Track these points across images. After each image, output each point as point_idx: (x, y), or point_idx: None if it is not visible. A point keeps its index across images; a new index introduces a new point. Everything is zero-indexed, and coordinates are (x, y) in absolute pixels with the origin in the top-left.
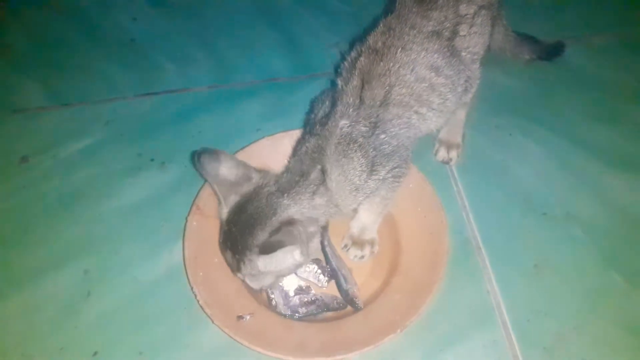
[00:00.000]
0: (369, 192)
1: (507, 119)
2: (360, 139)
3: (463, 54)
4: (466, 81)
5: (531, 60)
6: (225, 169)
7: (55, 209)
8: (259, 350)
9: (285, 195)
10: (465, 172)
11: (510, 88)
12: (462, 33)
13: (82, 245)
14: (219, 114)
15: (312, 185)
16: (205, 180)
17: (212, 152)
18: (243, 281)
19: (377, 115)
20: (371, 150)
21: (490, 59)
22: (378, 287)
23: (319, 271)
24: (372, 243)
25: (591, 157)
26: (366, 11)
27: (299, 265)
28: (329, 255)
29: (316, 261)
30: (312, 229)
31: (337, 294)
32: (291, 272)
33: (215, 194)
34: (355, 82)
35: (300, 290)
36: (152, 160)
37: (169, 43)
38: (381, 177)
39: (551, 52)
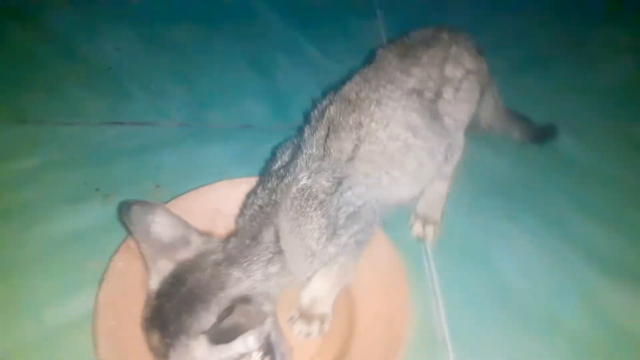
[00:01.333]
0: (326, 259)
1: (493, 201)
2: (322, 195)
3: (446, 119)
4: (447, 149)
5: (522, 141)
6: (159, 226)
7: None
8: None
9: (235, 265)
10: (441, 253)
11: (500, 169)
12: (446, 96)
13: None
14: (184, 152)
15: (265, 251)
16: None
17: (146, 204)
18: None
19: (342, 170)
20: (333, 209)
21: (480, 135)
22: None
23: None
24: (322, 319)
25: (582, 257)
26: (354, 70)
27: (245, 355)
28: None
29: None
30: (266, 307)
31: None
32: None
33: (142, 255)
34: (322, 131)
35: None
36: (97, 190)
37: (146, 75)
38: (343, 243)
39: (543, 135)
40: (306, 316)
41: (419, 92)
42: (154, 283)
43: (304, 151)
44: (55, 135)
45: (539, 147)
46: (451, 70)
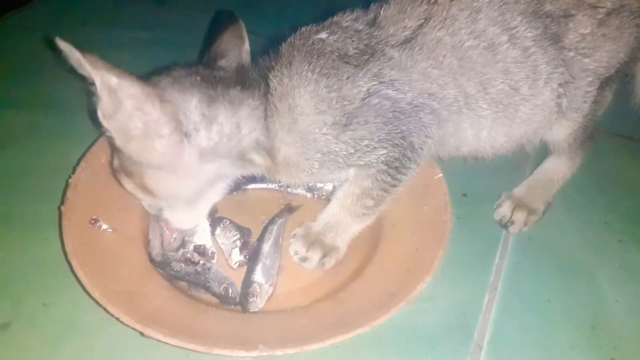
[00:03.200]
0: (324, 155)
1: (626, 223)
2: (337, 61)
3: (572, 53)
4: (563, 89)
5: None
6: (219, 40)
7: None
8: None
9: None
10: (525, 251)
11: None
12: (581, 28)
13: None
14: None
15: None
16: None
17: (235, 21)
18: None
19: (388, 51)
20: (353, 90)
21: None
22: (295, 306)
23: (238, 244)
24: (328, 251)
25: None
26: None
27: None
28: (267, 236)
29: (244, 230)
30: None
31: (239, 282)
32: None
33: None
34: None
35: (198, 249)
36: None
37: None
38: (358, 145)
39: None
40: (311, 240)
41: None
42: None
43: (349, 12)
44: (173, 20)
45: None
46: None
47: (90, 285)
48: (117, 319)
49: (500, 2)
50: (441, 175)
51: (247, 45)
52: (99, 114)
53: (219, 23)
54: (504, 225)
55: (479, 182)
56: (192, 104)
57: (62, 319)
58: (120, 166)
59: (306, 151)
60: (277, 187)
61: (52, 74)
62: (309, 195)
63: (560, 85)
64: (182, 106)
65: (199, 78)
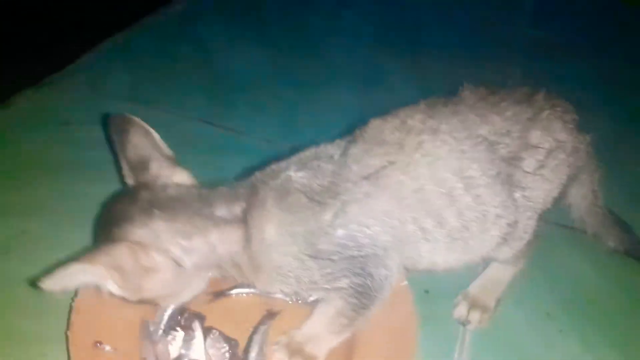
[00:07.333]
0: (291, 278)
1: (566, 314)
2: (304, 199)
3: (518, 192)
4: (509, 228)
5: (616, 251)
6: (131, 145)
7: None
8: None
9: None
10: (482, 346)
11: (587, 281)
12: (526, 167)
13: None
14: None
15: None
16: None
17: (124, 118)
18: None
19: (352, 188)
20: (318, 226)
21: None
22: None
23: (227, 356)
24: (307, 359)
25: None
26: None
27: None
28: (252, 346)
29: (232, 342)
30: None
31: None
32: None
33: None
34: (351, 137)
35: None
36: None
37: (256, 91)
38: (322, 272)
39: None
40: (292, 348)
41: (490, 143)
42: None
43: (316, 147)
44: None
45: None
46: (538, 138)
47: None
48: None
49: (458, 150)
50: (406, 282)
51: (156, 136)
52: (114, 292)
53: (116, 129)
54: (462, 323)
55: (439, 278)
56: (168, 242)
57: None
58: None
59: (276, 274)
60: (258, 292)
61: (41, 178)
62: (288, 300)
63: (508, 224)
64: (162, 244)
65: (157, 211)
